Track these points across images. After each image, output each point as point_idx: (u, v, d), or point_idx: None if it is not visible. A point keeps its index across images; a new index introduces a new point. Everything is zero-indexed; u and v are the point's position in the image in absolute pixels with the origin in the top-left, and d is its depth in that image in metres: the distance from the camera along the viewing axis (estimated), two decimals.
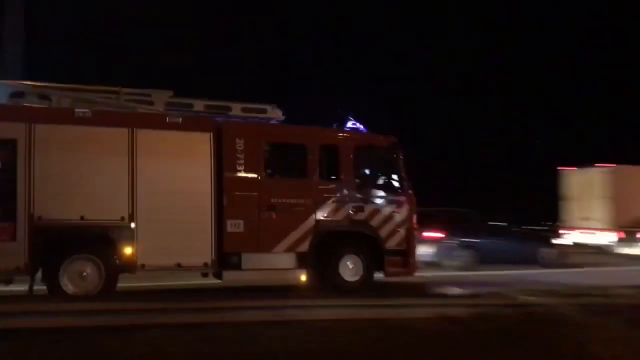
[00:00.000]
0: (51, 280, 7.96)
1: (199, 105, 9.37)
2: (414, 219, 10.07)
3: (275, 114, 9.86)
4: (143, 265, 8.35)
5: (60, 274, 7.93)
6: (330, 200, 9.51)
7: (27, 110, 8.29)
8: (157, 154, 8.48)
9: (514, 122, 38.20)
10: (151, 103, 9.10)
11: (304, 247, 9.24)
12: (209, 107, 9.37)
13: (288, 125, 10.10)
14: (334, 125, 10.23)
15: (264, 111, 9.76)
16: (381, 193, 10.00)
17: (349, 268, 9.51)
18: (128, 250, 8.23)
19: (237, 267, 8.84)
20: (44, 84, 8.70)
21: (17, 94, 8.49)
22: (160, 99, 9.11)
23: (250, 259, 8.91)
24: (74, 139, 8.15)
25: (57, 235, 8.03)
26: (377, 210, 9.79)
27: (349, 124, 10.19)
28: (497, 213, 18.24)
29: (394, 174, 10.10)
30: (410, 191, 10.12)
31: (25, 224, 7.78)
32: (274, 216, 9.03)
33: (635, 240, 17.96)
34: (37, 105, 8.49)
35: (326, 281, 9.34)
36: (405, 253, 9.89)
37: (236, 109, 9.56)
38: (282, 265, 9.15)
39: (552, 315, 7.44)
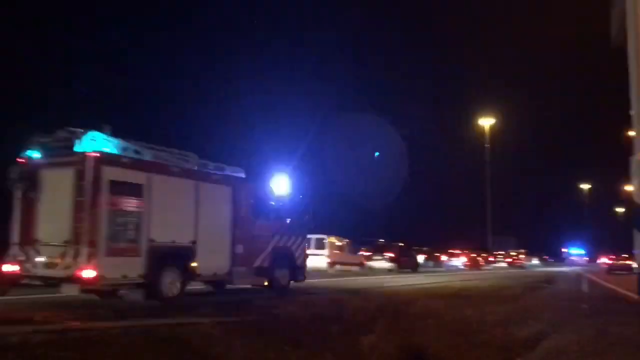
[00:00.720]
0: (155, 285, 10.94)
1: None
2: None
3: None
4: (199, 275, 12.09)
5: (160, 281, 11.06)
6: None
7: (146, 163, 11.22)
8: (207, 199, 12.29)
9: None
10: (188, 162, 12.37)
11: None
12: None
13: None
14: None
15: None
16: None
17: None
18: (194, 264, 11.78)
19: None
20: (139, 143, 11.50)
21: (123, 149, 10.99)
22: (194, 159, 12.54)
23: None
24: (168, 187, 11.46)
25: (160, 252, 11.05)
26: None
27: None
28: None
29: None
30: None
31: (145, 245, 10.78)
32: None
33: None
34: (151, 160, 11.40)
35: None
36: None
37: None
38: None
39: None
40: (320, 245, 24.25)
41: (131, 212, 10.73)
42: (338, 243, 25.34)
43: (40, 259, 10.64)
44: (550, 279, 25.92)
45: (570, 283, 22.83)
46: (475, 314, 10.78)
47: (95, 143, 10.49)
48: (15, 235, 10.95)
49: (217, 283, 13.38)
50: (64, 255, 10.23)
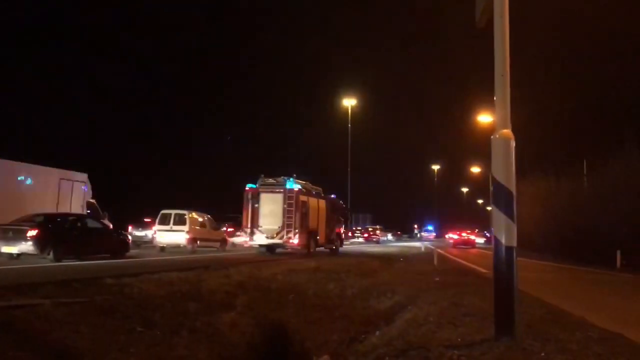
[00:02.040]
0: (307, 247, 23.79)
1: None
2: None
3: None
4: (321, 243, 25.70)
5: (310, 244, 24.20)
6: None
7: (307, 192, 24.42)
8: (323, 208, 25.86)
9: None
10: (317, 190, 26.42)
11: None
12: None
13: None
14: None
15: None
16: None
17: None
18: (318, 237, 25.02)
19: None
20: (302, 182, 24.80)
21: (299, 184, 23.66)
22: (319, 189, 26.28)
23: None
24: (312, 202, 24.32)
25: (311, 231, 24.34)
26: None
27: None
28: None
29: None
30: None
31: (306, 228, 23.48)
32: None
33: None
34: (308, 189, 24.82)
35: None
36: None
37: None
38: None
39: None
40: (180, 221, 23.45)
41: (304, 214, 23.24)
42: (200, 219, 24.62)
43: (262, 234, 22.67)
44: (404, 254, 27.30)
45: (423, 257, 24.14)
46: (336, 288, 10.94)
47: (291, 183, 23.00)
48: (247, 223, 23.18)
49: (325, 246, 26.22)
50: (278, 233, 22.48)
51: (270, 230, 22.17)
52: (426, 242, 59.72)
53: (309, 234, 23.32)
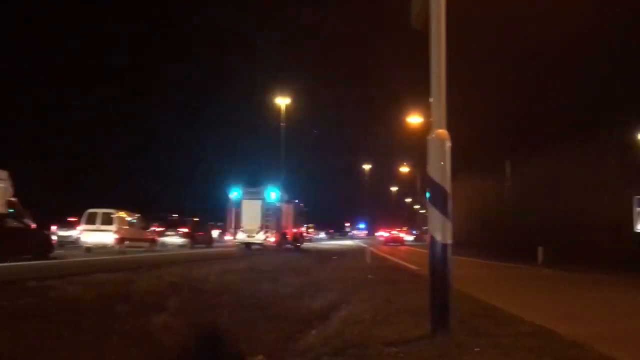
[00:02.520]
0: (281, 244, 29.70)
1: None
2: None
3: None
4: (290, 240, 31.60)
5: (284, 242, 30.79)
6: None
7: (280, 200, 30.61)
8: (291, 211, 32.51)
9: None
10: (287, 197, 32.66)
11: None
12: None
13: None
14: None
15: None
16: None
17: None
18: (287, 236, 31.33)
19: None
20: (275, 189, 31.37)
21: (275, 192, 30.41)
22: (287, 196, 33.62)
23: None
24: (285, 207, 31.37)
25: (284, 232, 31.11)
26: None
27: None
28: None
29: None
30: None
31: (280, 229, 30.45)
32: None
33: None
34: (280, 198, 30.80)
35: None
36: None
37: None
38: None
39: None
40: (108, 220, 22.66)
41: (279, 218, 28.62)
42: (128, 218, 23.88)
43: (244, 234, 27.28)
44: (337, 252, 27.52)
45: (355, 255, 24.42)
46: (270, 287, 10.86)
47: (269, 191, 28.22)
48: (230, 224, 28.47)
49: (292, 243, 30.79)
50: (257, 233, 27.52)
51: (251, 231, 27.44)
52: (358, 240, 60.48)
53: (281, 234, 29.42)
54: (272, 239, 27.50)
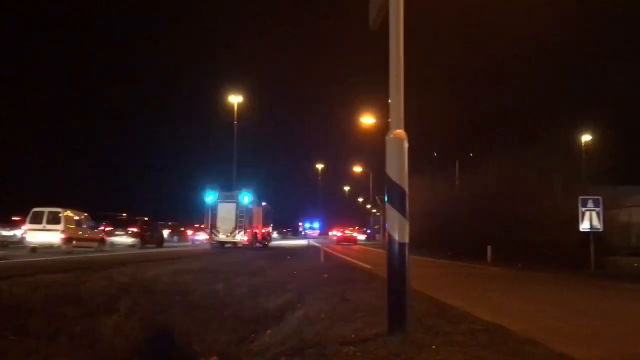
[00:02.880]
0: (253, 243, 33.36)
1: None
2: None
3: None
4: (260, 240, 35.27)
5: (256, 241, 35.29)
6: None
7: (252, 202, 32.99)
8: (262, 213, 35.83)
9: None
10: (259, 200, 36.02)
11: None
12: None
13: None
14: None
15: None
16: None
17: None
18: (258, 236, 34.84)
19: None
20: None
21: (250, 196, 32.57)
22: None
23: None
24: (256, 209, 34.35)
25: (255, 231, 34.01)
26: None
27: None
28: None
29: None
30: None
31: (251, 229, 33.38)
32: None
33: None
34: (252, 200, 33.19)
35: None
36: None
37: None
38: None
39: None
40: (54, 219, 21.95)
41: (250, 219, 31.17)
42: (76, 217, 23.19)
43: (220, 234, 29.84)
44: (291, 252, 27.47)
45: (309, 255, 24.43)
46: (224, 288, 10.73)
47: (242, 195, 30.74)
48: (207, 225, 31.29)
49: (261, 242, 34.38)
50: (232, 233, 30.02)
51: (226, 231, 29.91)
52: (311, 240, 60.55)
53: (253, 234, 32.41)
54: (245, 238, 30.48)
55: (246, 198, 30.70)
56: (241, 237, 30.27)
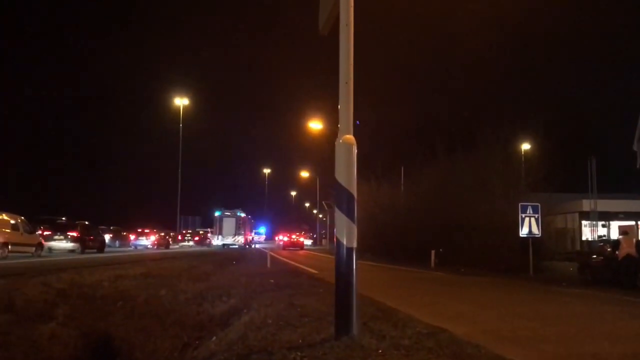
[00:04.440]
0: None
1: None
2: None
3: None
4: (250, 245, 54.99)
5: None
6: None
7: (243, 217, 54.94)
8: (247, 224, 57.31)
9: None
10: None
11: None
12: None
13: None
14: None
15: None
16: None
17: None
18: (250, 241, 59.08)
19: None
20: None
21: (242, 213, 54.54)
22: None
23: None
24: (245, 221, 54.83)
25: (248, 239, 56.98)
26: None
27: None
28: None
29: None
30: None
31: (245, 235, 54.14)
32: None
33: None
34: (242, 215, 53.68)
35: None
36: None
37: None
38: None
39: None
40: None
41: (244, 229, 50.81)
42: (12, 221, 22.23)
43: (223, 239, 48.88)
44: (236, 257, 27.19)
45: (256, 260, 24.25)
46: (167, 294, 10.52)
47: (239, 213, 50.37)
48: (216, 232, 50.75)
49: (248, 244, 52.05)
50: (232, 237, 48.98)
51: (228, 236, 40.80)
52: (257, 244, 60.37)
53: (245, 238, 47.44)
54: (242, 241, 45.69)
55: (241, 214, 44.90)
56: (239, 240, 45.71)
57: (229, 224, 45.95)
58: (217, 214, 49.16)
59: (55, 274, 12.02)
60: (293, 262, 23.48)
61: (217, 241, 49.06)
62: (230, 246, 43.85)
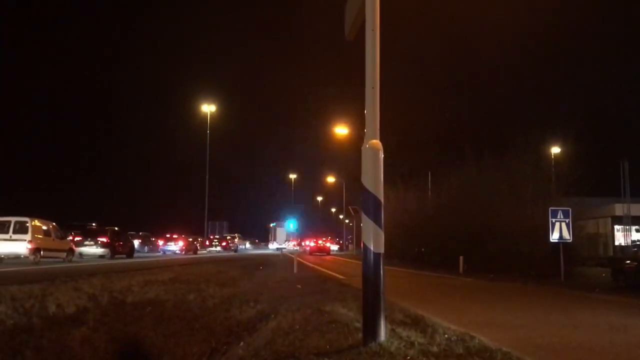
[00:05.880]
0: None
1: None
2: None
3: None
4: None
5: None
6: None
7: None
8: None
9: None
10: None
11: None
12: None
13: None
14: None
15: None
16: None
17: None
18: None
19: None
20: None
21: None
22: None
23: None
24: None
25: None
26: None
27: None
28: None
29: None
30: None
31: None
32: None
33: None
34: None
35: None
36: None
37: None
38: None
39: None
40: (21, 229, 21.44)
41: (293, 236, 40.02)
42: (44, 227, 22.68)
43: (277, 244, 40.18)
44: (263, 262, 27.30)
45: (282, 265, 24.30)
46: (196, 299, 10.58)
47: (288, 223, 30.66)
48: (271, 239, 58.05)
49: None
50: (284, 243, 36.65)
51: (281, 242, 40.32)
52: (284, 249, 60.72)
53: (293, 244, 48.54)
54: (292, 246, 47.63)
55: (291, 224, 41.63)
56: (288, 246, 47.52)
57: (281, 233, 51.22)
58: (272, 225, 56.15)
59: (86, 279, 12.21)
60: (320, 268, 23.48)
61: (272, 246, 58.34)
62: (283, 250, 47.75)
